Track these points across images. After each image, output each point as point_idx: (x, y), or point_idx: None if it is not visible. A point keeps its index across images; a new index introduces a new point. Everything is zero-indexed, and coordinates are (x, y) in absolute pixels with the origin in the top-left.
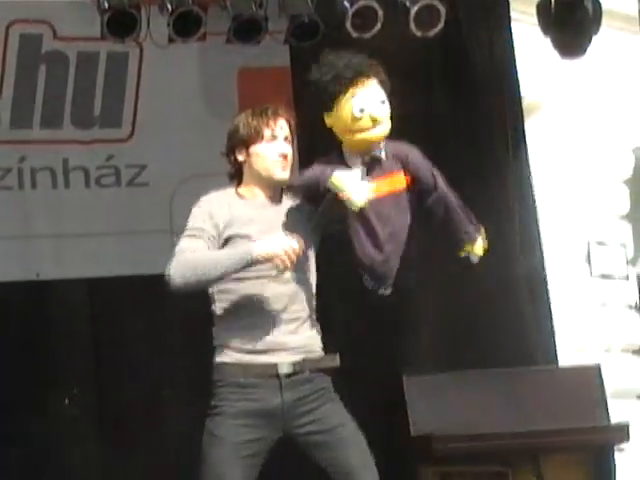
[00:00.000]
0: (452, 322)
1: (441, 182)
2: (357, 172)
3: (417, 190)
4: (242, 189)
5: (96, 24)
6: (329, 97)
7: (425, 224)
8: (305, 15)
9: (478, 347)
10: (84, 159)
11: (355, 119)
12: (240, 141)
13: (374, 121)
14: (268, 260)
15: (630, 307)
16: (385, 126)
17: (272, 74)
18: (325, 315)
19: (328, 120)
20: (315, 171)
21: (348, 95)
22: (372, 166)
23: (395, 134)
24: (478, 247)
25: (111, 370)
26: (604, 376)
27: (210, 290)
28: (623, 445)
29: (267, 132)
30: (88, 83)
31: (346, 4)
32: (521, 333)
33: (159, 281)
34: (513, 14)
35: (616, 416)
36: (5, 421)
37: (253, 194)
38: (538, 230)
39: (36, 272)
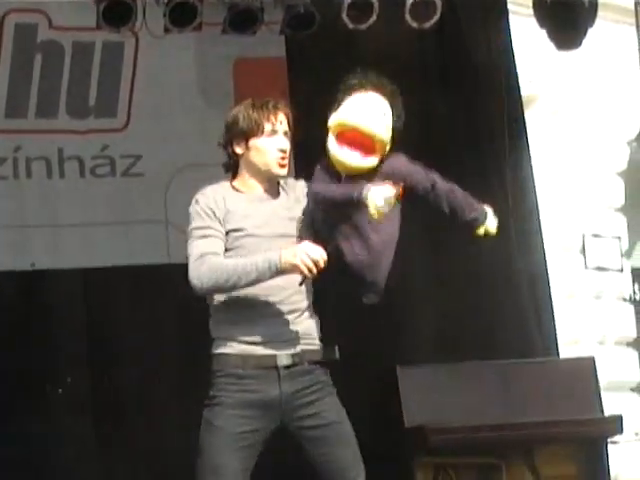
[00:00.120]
0: (450, 315)
1: (436, 178)
2: (389, 189)
3: (415, 195)
4: (237, 182)
5: (92, 14)
6: (342, 93)
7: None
8: (301, 6)
9: (479, 340)
10: (79, 149)
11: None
12: (239, 133)
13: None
14: (295, 269)
15: (624, 299)
16: (371, 160)
17: (268, 65)
18: (319, 305)
19: (330, 121)
20: (344, 187)
21: (356, 93)
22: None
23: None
24: (491, 225)
25: (106, 359)
26: (598, 368)
27: None
28: (616, 437)
29: (268, 126)
30: (83, 73)
31: None
32: (522, 327)
33: (154, 271)
34: (509, 6)
35: (610, 408)
36: None
37: (249, 187)
38: (539, 226)
39: (31, 262)
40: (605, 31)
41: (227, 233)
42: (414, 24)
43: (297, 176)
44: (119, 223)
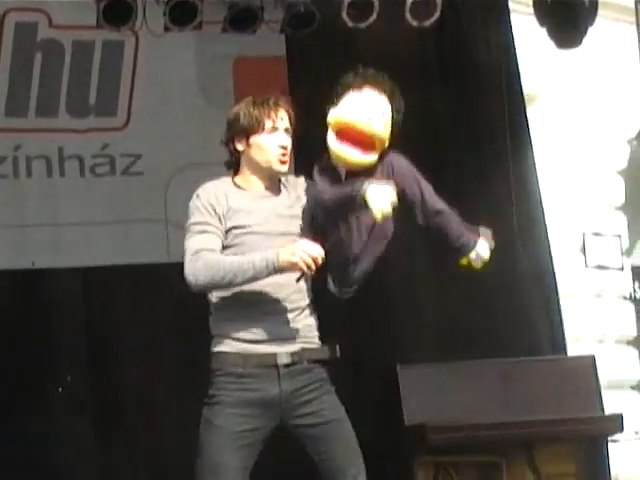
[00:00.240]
0: (455, 313)
1: (428, 193)
2: (389, 188)
3: (404, 201)
4: (239, 179)
5: (92, 13)
6: (340, 88)
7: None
8: (301, 4)
9: (483, 340)
10: (79, 148)
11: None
12: (240, 130)
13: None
14: (293, 267)
15: (625, 298)
16: (371, 157)
17: (268, 63)
18: (319, 304)
19: (329, 117)
20: (342, 186)
21: (356, 90)
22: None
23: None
24: (475, 258)
25: (106, 358)
26: (598, 367)
27: None
28: (617, 436)
29: (268, 123)
30: (83, 72)
31: None
32: (528, 326)
33: (154, 270)
34: (509, 5)
35: (610, 407)
36: None
37: (251, 184)
38: (545, 225)
39: (32, 260)
40: (605, 29)
41: (228, 230)
42: (414, 22)
43: (297, 174)
44: (119, 222)
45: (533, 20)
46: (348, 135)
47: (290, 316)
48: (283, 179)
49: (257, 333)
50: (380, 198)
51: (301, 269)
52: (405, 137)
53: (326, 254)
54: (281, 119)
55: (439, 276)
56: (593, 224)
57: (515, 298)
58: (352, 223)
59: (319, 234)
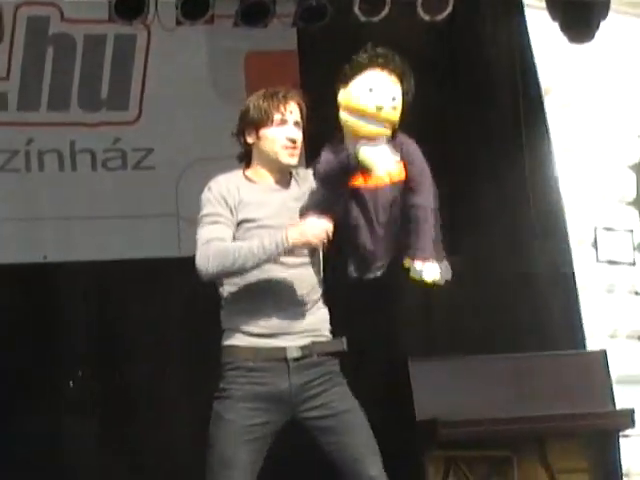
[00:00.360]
0: (470, 309)
1: (427, 192)
2: (384, 147)
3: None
4: (250, 172)
5: (103, 6)
6: (351, 69)
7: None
8: None
9: (501, 334)
10: (91, 142)
11: (361, 98)
12: (250, 123)
13: (378, 109)
14: (305, 245)
15: (636, 293)
16: (384, 128)
17: (279, 58)
18: (330, 297)
19: (339, 96)
20: (337, 152)
21: (366, 72)
22: None
23: (407, 123)
24: (419, 270)
25: (117, 352)
26: (610, 362)
27: None
28: (628, 431)
29: (277, 116)
30: (95, 66)
31: None
32: (548, 320)
33: (165, 264)
34: None
35: (621, 402)
36: (5, 400)
37: (261, 177)
38: (564, 222)
39: (43, 254)
40: (618, 24)
41: (239, 223)
42: (426, 17)
43: (308, 167)
44: (130, 216)
45: (545, 14)
46: (358, 114)
47: (301, 310)
48: (294, 172)
49: (267, 327)
50: (379, 157)
51: (312, 244)
52: (418, 134)
53: (343, 241)
54: (290, 112)
55: (455, 270)
56: (605, 219)
57: (533, 294)
58: (365, 202)
59: (325, 212)
